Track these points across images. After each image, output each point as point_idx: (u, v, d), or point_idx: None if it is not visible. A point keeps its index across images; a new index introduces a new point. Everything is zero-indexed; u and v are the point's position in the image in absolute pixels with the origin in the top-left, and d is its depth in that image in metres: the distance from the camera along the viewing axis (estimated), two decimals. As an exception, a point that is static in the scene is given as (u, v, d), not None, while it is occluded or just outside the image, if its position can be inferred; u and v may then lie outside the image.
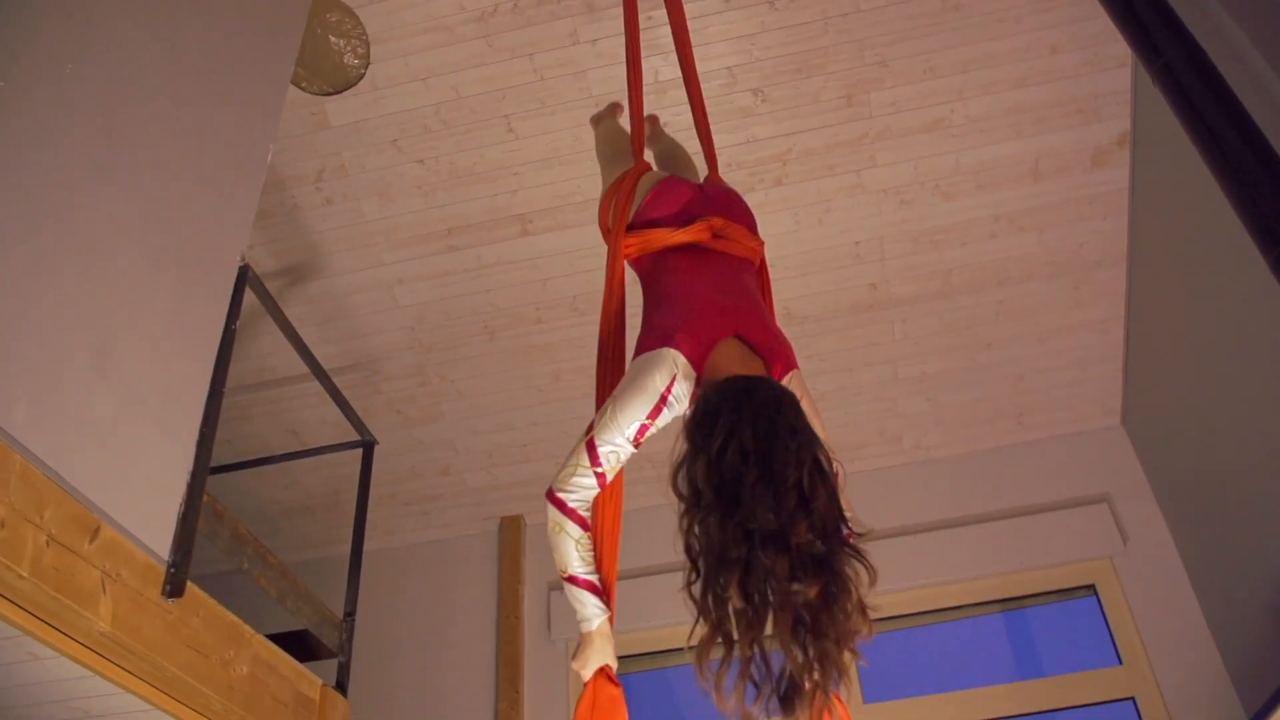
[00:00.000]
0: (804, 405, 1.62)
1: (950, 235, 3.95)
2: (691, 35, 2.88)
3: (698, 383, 1.78)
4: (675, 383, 1.77)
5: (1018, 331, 4.22)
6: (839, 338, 4.21)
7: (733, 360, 1.79)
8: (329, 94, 3.49)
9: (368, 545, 3.57)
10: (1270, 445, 3.19)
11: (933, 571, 4.22)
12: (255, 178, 2.76)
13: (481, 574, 4.71)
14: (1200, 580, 3.88)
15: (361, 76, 3.46)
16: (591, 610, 1.85)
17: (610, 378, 2.05)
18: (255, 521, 4.67)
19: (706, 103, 2.82)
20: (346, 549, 3.42)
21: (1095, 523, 4.15)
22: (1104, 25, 2.93)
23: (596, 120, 3.21)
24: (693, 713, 4.34)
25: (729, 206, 2.25)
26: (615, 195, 2.29)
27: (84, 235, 2.01)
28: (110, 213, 2.11)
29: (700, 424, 1.53)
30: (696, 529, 1.43)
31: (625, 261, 2.18)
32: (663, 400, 1.76)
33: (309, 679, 2.78)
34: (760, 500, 1.37)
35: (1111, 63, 3.52)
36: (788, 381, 1.85)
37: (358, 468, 3.64)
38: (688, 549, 1.44)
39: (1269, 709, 2.75)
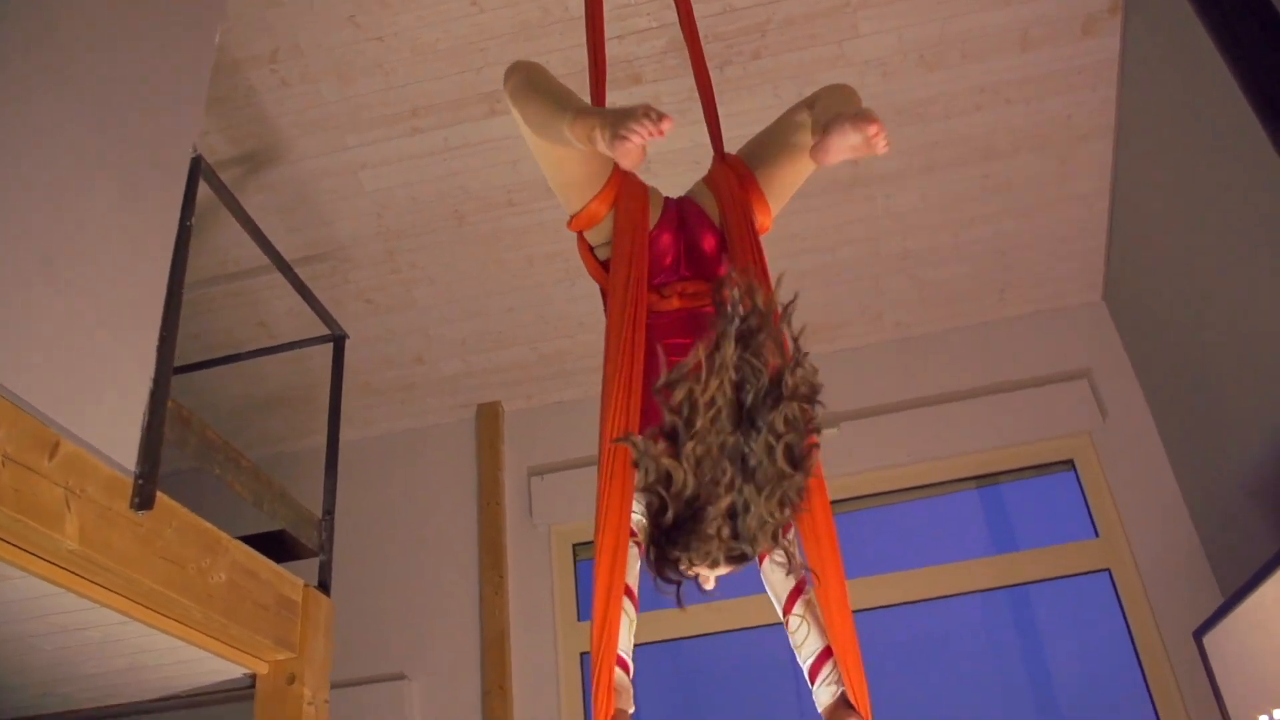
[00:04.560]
0: None
1: (934, 108, 3.81)
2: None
3: None
4: None
5: (1002, 207, 4.12)
6: (820, 215, 4.10)
7: None
8: (279, -34, 3.27)
9: (343, 436, 3.51)
10: (1253, 325, 3.15)
11: (913, 448, 4.23)
12: (203, 62, 2.60)
13: (460, 461, 4.69)
14: (1178, 457, 3.90)
15: (313, -53, 3.24)
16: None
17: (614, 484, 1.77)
18: (226, 418, 4.59)
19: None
20: (321, 441, 3.37)
21: (1075, 398, 4.14)
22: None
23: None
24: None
25: (702, 248, 2.03)
26: (629, 224, 1.93)
27: (21, 138, 1.87)
28: (48, 110, 1.96)
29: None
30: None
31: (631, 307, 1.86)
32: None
33: (290, 581, 2.76)
34: None
35: (1107, -78, 3.35)
36: None
37: (329, 360, 3.55)
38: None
39: (1248, 589, 2.78)
